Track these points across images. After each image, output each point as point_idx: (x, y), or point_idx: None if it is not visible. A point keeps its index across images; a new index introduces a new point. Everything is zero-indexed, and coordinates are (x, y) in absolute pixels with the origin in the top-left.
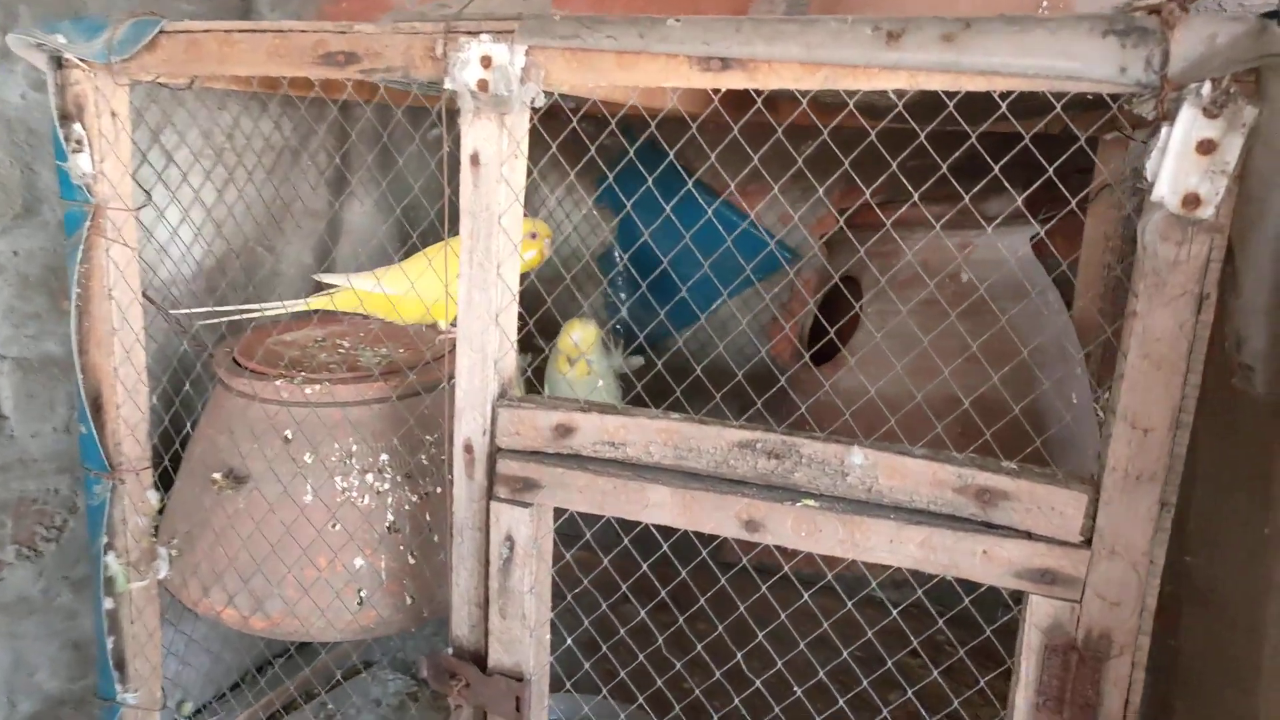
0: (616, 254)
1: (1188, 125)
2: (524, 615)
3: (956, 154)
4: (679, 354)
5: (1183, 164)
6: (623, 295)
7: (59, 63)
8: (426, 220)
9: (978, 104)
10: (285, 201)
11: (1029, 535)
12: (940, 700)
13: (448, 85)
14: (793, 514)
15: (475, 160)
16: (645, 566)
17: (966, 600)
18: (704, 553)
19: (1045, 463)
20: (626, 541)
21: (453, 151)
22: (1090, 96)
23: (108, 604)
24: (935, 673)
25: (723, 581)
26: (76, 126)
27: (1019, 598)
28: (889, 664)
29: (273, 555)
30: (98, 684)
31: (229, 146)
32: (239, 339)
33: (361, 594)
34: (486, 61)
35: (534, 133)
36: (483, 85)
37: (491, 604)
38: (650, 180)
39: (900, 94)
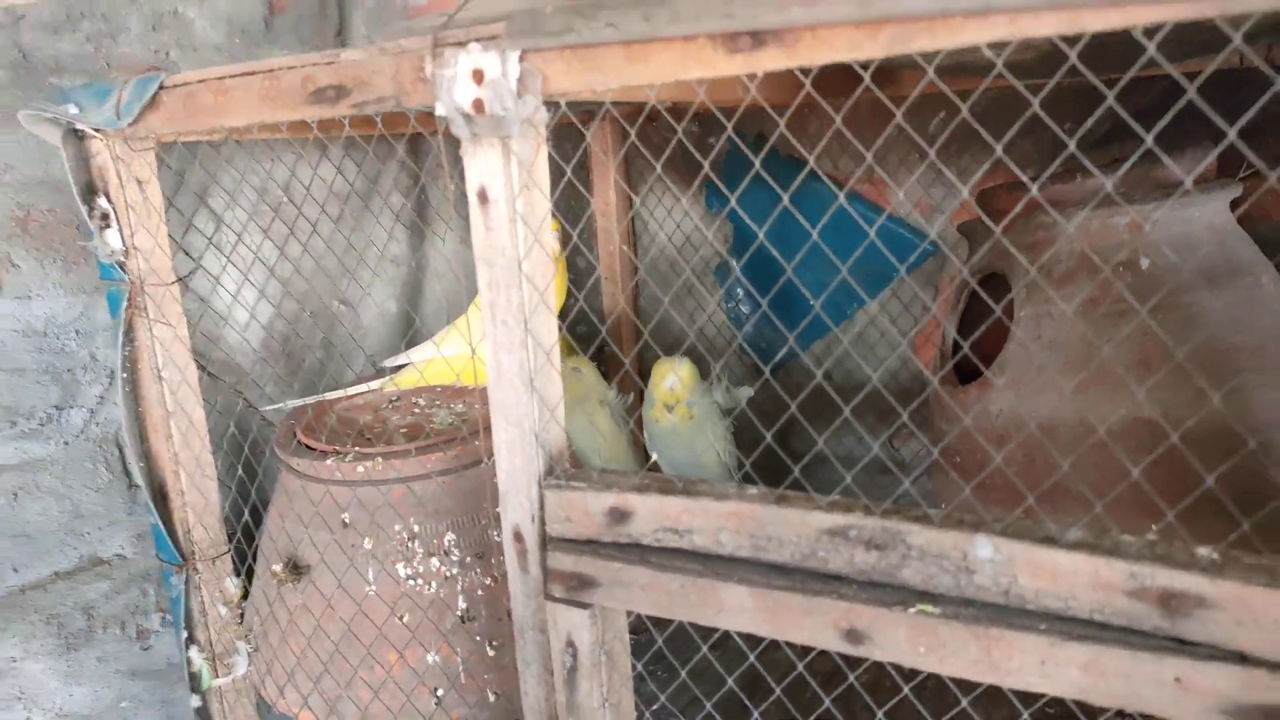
0: (733, 264)
1: None
2: None
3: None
4: (806, 375)
5: None
6: (744, 310)
7: (76, 135)
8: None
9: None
10: (358, 250)
11: (1242, 657)
12: None
13: (439, 111)
14: (906, 623)
15: (483, 198)
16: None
17: None
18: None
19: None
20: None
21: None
22: None
23: (194, 701)
24: None
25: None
26: (101, 200)
27: None
28: None
29: (338, 653)
30: None
31: (286, 199)
32: (301, 408)
33: (438, 693)
34: (478, 76)
35: (628, 137)
36: (478, 105)
37: None
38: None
39: (999, 48)
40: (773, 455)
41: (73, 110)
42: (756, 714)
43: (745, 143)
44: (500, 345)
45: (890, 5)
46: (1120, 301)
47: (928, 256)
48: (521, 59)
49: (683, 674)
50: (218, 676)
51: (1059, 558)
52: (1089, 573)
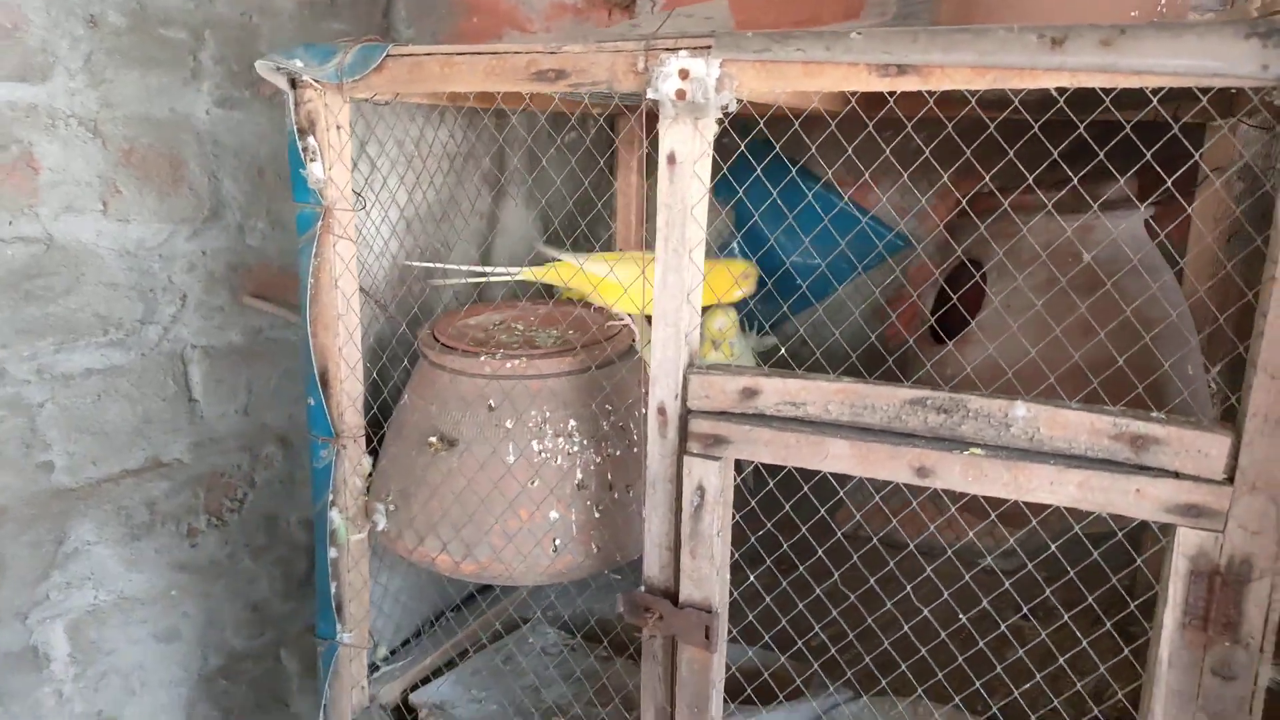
0: (735, 246)
1: None
2: (712, 556)
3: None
4: (797, 337)
5: None
6: None
7: (294, 84)
8: (564, 213)
9: (1083, 96)
10: (458, 202)
11: (1177, 475)
12: (1050, 658)
13: (650, 95)
14: (960, 461)
15: (672, 160)
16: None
17: (1072, 573)
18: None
19: None
20: (770, 525)
21: (642, 155)
22: (1198, 90)
23: (332, 553)
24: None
25: (855, 558)
26: (310, 139)
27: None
28: (1003, 627)
29: (482, 508)
30: (317, 625)
31: (416, 154)
32: (430, 323)
33: (556, 542)
34: (684, 74)
35: (651, 129)
36: (680, 94)
37: (683, 546)
38: (773, 183)
39: (1017, 91)
40: None
41: (298, 65)
42: (804, 529)
43: (752, 144)
44: (668, 267)
45: (997, 59)
46: (1071, 281)
47: (897, 249)
48: (722, 65)
49: (738, 515)
50: (353, 534)
51: (1070, 415)
52: (1087, 424)
